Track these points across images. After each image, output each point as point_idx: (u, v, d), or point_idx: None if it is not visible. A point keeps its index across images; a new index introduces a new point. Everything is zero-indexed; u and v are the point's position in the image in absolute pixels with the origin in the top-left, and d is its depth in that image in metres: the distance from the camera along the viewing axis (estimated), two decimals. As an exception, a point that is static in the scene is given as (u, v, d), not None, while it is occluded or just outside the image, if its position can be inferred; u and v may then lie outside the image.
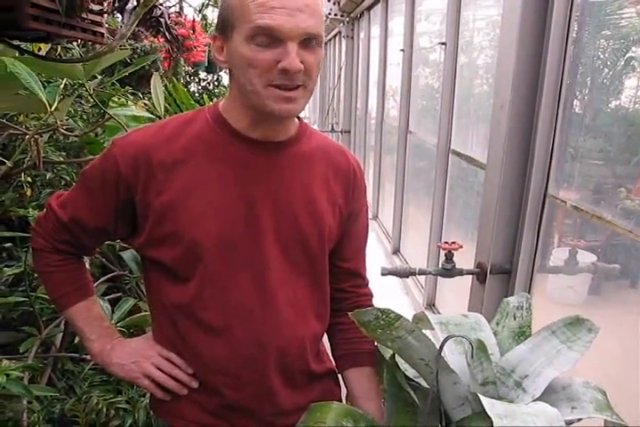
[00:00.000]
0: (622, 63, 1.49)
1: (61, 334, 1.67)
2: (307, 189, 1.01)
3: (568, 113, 1.56)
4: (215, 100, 4.68)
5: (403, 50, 3.63)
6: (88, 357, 1.67)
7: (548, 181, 1.57)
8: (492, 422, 0.66)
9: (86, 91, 1.48)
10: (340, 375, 1.16)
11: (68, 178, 1.93)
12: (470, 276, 1.75)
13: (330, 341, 1.18)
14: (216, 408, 1.04)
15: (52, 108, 1.34)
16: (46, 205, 1.07)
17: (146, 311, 1.65)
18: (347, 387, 1.13)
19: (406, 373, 0.92)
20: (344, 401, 1.14)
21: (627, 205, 1.36)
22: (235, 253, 0.96)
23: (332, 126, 6.97)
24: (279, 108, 0.89)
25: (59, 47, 2.16)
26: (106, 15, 1.51)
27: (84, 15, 1.31)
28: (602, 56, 1.57)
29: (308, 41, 0.87)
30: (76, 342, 1.51)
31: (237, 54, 0.88)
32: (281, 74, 0.86)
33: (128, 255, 1.92)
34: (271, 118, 0.94)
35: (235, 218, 0.96)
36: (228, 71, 0.97)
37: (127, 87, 2.36)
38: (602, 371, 1.35)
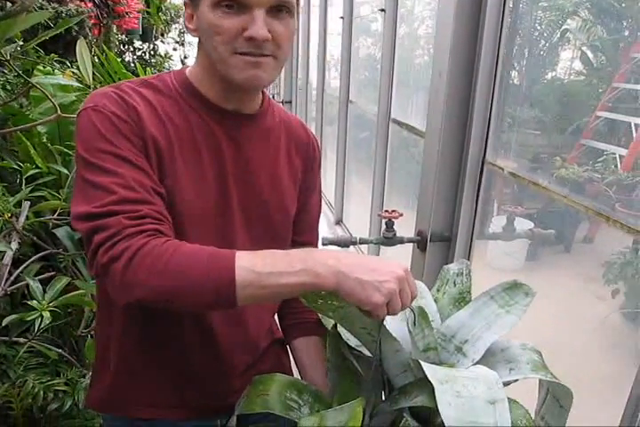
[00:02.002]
0: (558, 35, 1.51)
1: (-9, 316, 1.60)
2: (272, 165, 1.01)
3: (505, 82, 1.57)
4: (151, 70, 4.50)
5: (342, 17, 3.58)
6: (21, 339, 1.60)
7: (485, 148, 1.59)
8: (433, 387, 0.67)
9: (2, 56, 1.37)
10: (288, 345, 1.17)
11: (-9, 151, 1.82)
12: (411, 244, 1.76)
13: (277, 311, 1.17)
14: (174, 389, 1.03)
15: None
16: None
17: (83, 290, 1.59)
18: (294, 356, 1.13)
19: (348, 342, 0.91)
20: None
21: (561, 173, 1.39)
22: (205, 226, 0.93)
23: (273, 96, 6.87)
24: (245, 75, 0.86)
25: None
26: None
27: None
28: (539, 27, 1.59)
29: (278, 9, 0.85)
30: (4, 323, 1.44)
31: (204, 22, 0.85)
32: (247, 42, 0.83)
33: (62, 233, 1.84)
34: (239, 89, 0.91)
35: (207, 191, 0.92)
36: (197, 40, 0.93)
37: (53, 55, 2.22)
38: (539, 332, 1.40)
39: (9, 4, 1.94)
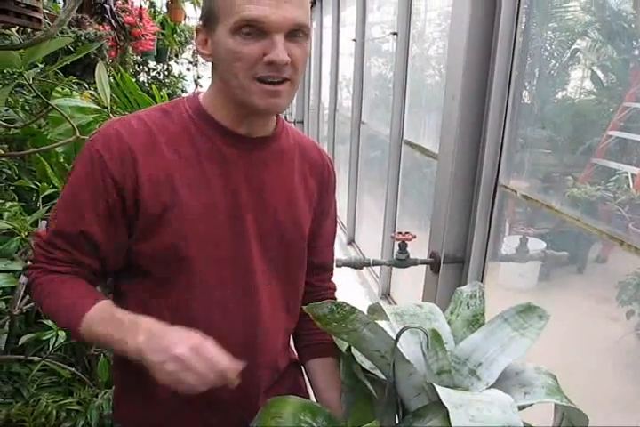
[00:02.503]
0: (568, 55, 1.52)
1: (6, 335, 1.60)
2: (288, 187, 1.02)
3: (517, 103, 1.58)
4: (165, 90, 4.58)
5: (355, 40, 3.63)
6: (35, 358, 1.61)
7: (498, 170, 1.59)
8: (447, 411, 0.67)
9: (25, 80, 1.40)
10: (302, 366, 1.16)
11: (10, 172, 1.85)
12: (424, 265, 1.76)
13: (292, 333, 1.17)
14: (200, 413, 1.02)
15: (-19, 98, 1.26)
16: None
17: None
18: (309, 377, 1.13)
19: (363, 365, 0.91)
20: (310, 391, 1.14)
21: (573, 193, 1.39)
22: (220, 250, 0.94)
23: (286, 116, 6.93)
24: (265, 104, 0.87)
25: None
26: (46, 0, 1.44)
27: (18, -1, 1.24)
28: (549, 48, 1.60)
29: (295, 33, 0.86)
30: (21, 342, 1.45)
31: (222, 47, 0.86)
32: (267, 66, 0.84)
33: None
34: (257, 114, 0.93)
35: (220, 215, 0.93)
36: (210, 65, 0.94)
37: (72, 77, 2.27)
38: (552, 354, 1.39)
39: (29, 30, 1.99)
